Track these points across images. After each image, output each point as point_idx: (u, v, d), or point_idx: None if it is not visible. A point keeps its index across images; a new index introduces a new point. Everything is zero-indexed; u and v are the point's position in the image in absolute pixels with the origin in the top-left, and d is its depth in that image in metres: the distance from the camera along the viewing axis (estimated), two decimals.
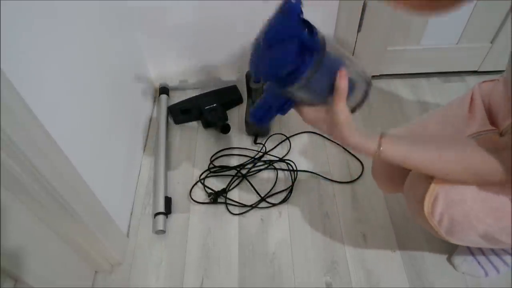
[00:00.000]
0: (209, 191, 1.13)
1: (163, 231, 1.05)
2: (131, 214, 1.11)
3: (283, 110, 0.63)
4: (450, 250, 0.98)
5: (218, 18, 1.22)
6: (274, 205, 1.10)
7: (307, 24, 0.55)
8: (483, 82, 0.84)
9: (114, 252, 0.96)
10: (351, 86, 0.59)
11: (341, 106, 0.60)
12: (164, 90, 1.40)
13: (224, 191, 1.13)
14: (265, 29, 0.56)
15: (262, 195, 1.12)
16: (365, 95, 0.65)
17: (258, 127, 1.23)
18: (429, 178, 0.74)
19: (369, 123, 1.30)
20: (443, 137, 0.68)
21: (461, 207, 0.72)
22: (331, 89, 0.59)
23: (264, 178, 1.17)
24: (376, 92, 1.41)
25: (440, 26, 1.28)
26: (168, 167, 1.20)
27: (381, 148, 0.63)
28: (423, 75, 1.45)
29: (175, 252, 1.03)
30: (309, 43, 0.53)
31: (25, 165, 0.62)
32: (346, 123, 0.61)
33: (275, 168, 1.19)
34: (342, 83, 0.58)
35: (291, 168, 1.18)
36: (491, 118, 0.78)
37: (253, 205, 1.10)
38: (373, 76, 1.44)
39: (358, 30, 1.27)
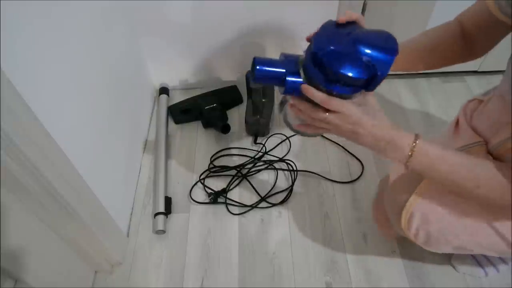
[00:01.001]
0: (209, 191, 1.13)
1: (163, 231, 1.05)
2: (131, 214, 1.11)
3: (293, 86, 0.59)
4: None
5: (218, 18, 1.22)
6: (274, 205, 1.10)
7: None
8: (470, 100, 0.84)
9: (114, 252, 0.96)
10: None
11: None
12: (164, 90, 1.40)
13: (224, 191, 1.13)
14: (363, 32, 0.58)
15: (262, 195, 1.12)
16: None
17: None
18: (408, 193, 0.76)
19: None
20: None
21: (436, 224, 0.73)
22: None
23: (264, 178, 1.17)
24: (376, 92, 1.40)
25: None
26: (168, 167, 1.20)
27: (417, 142, 0.58)
28: (423, 75, 1.45)
29: (175, 252, 1.03)
30: (379, 80, 0.56)
31: (25, 165, 0.62)
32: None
33: (275, 168, 1.19)
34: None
35: (291, 168, 1.18)
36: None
37: (253, 205, 1.10)
38: None
39: None
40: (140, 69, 1.29)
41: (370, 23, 1.24)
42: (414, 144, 0.59)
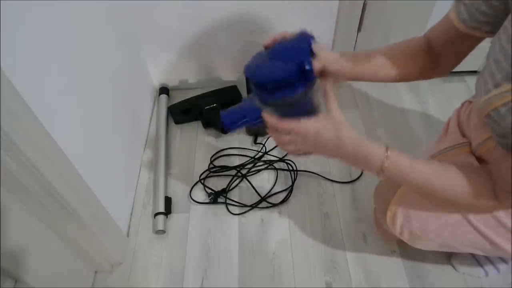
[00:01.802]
0: (209, 191, 1.13)
1: (163, 231, 1.05)
2: (131, 214, 1.11)
3: (256, 121, 0.65)
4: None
5: (218, 18, 1.22)
6: (274, 205, 1.10)
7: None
8: (463, 103, 0.86)
9: (114, 252, 0.96)
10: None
11: (335, 105, 0.60)
12: (164, 90, 1.40)
13: (224, 191, 1.13)
14: (277, 45, 0.61)
15: (262, 195, 1.12)
16: None
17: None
18: (392, 192, 0.80)
19: (369, 123, 1.31)
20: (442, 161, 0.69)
21: (418, 223, 0.77)
22: (316, 110, 0.62)
23: (264, 178, 1.17)
24: (376, 92, 1.41)
25: None
26: (168, 167, 1.20)
27: (388, 153, 0.60)
28: None
29: (175, 252, 1.03)
30: (310, 70, 0.57)
31: (25, 165, 0.62)
32: (346, 124, 0.60)
33: (275, 168, 1.19)
34: (328, 89, 0.60)
35: (291, 168, 1.18)
36: (464, 135, 0.81)
37: (253, 205, 1.10)
38: None
39: (358, 30, 1.27)
40: (140, 69, 1.29)
41: (370, 23, 1.25)
42: (385, 158, 0.60)
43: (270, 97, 0.59)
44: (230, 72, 1.41)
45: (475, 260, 0.94)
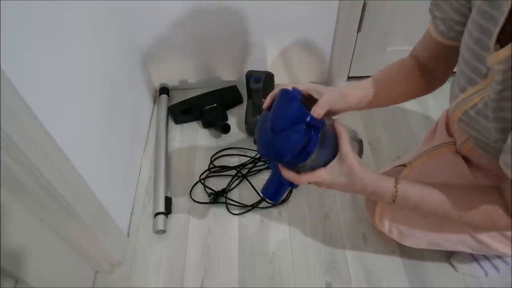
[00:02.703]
0: (209, 191, 1.13)
1: (163, 231, 1.05)
2: (131, 214, 1.11)
3: (294, 184, 0.65)
4: (450, 250, 0.98)
5: (218, 18, 1.22)
6: (274, 205, 1.10)
7: (306, 106, 0.59)
8: None
9: (114, 252, 0.96)
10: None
11: (348, 149, 0.61)
12: (164, 90, 1.40)
13: (224, 191, 1.13)
14: (271, 118, 0.60)
15: (262, 196, 1.12)
16: (360, 151, 0.70)
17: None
18: None
19: (370, 123, 1.30)
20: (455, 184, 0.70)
21: (405, 222, 0.79)
22: (334, 152, 0.62)
23: (265, 178, 1.16)
24: None
25: None
26: (168, 167, 1.20)
27: (398, 189, 0.63)
28: None
29: (175, 252, 1.03)
30: (314, 122, 0.57)
31: (25, 165, 0.62)
32: (359, 165, 0.62)
33: None
34: (340, 128, 0.62)
35: None
36: (451, 135, 0.83)
37: (253, 205, 1.10)
38: None
39: (358, 30, 1.27)
40: (140, 69, 1.29)
41: (370, 23, 1.24)
42: (395, 192, 0.63)
43: (297, 164, 0.60)
44: (230, 72, 1.41)
45: (475, 260, 0.94)
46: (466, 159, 0.76)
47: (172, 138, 1.30)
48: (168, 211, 1.08)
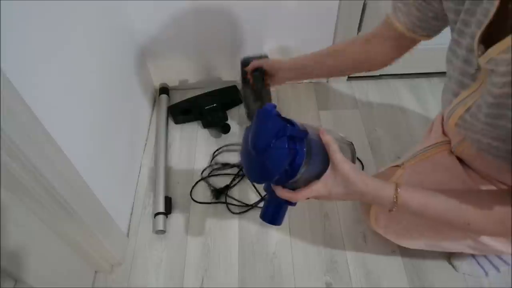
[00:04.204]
0: (212, 188, 1.13)
1: (163, 231, 1.05)
2: (131, 214, 1.11)
3: (292, 202, 0.63)
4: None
5: (218, 18, 1.22)
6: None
7: (285, 120, 0.57)
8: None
9: (114, 252, 0.96)
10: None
11: (340, 157, 0.59)
12: (164, 90, 1.40)
13: (227, 188, 1.13)
14: (251, 137, 0.58)
15: (262, 195, 1.12)
16: (353, 155, 0.68)
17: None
18: None
19: (370, 123, 1.30)
20: (458, 189, 0.68)
21: (400, 222, 0.79)
22: (325, 162, 0.60)
23: None
24: (376, 92, 1.41)
25: None
26: (168, 167, 1.20)
27: (399, 191, 0.60)
28: (423, 75, 1.45)
29: (175, 252, 1.03)
30: (297, 134, 0.55)
31: (25, 165, 0.62)
32: (353, 172, 0.59)
33: None
34: (326, 137, 0.60)
35: None
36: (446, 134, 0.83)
37: (253, 205, 1.10)
38: (373, 76, 1.45)
39: (358, 30, 1.27)
40: (140, 69, 1.29)
41: (370, 23, 1.24)
42: (395, 200, 0.60)
43: (288, 180, 0.58)
44: (230, 72, 1.41)
45: (475, 260, 0.94)
46: (459, 159, 0.76)
47: (172, 138, 1.30)
48: (168, 211, 1.08)
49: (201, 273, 0.99)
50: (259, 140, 0.56)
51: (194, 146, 1.27)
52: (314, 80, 1.45)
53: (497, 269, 0.93)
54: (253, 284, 0.96)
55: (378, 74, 1.44)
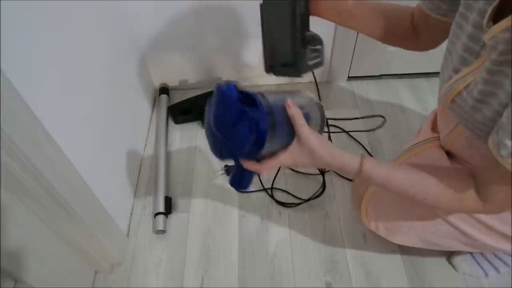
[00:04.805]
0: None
1: (163, 231, 1.05)
2: (131, 214, 1.11)
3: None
4: (449, 250, 0.98)
5: (218, 18, 1.22)
6: (276, 201, 1.11)
7: (245, 96, 0.57)
8: None
9: (114, 252, 0.96)
10: (306, 115, 0.62)
11: (306, 131, 0.60)
12: (164, 90, 1.40)
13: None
14: (212, 119, 0.58)
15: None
16: (322, 117, 0.68)
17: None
18: (364, 190, 0.84)
19: (370, 123, 1.30)
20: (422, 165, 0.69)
21: (390, 217, 0.81)
22: (292, 133, 0.61)
23: (265, 177, 1.17)
24: (376, 92, 1.41)
25: None
26: (168, 167, 1.20)
27: (364, 163, 0.62)
28: (423, 75, 1.45)
29: (175, 252, 1.03)
30: (259, 116, 0.55)
31: (25, 165, 0.62)
32: (320, 145, 0.61)
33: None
34: (293, 110, 0.60)
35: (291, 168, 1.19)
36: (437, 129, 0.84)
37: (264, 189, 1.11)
38: (373, 76, 1.45)
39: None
40: (140, 69, 1.29)
41: None
42: (359, 170, 0.62)
43: (253, 155, 0.59)
44: (230, 72, 1.41)
45: (475, 260, 0.94)
46: (448, 154, 0.76)
47: (172, 138, 1.30)
48: (168, 211, 1.08)
49: (201, 273, 0.99)
50: (221, 122, 0.57)
51: (194, 146, 1.27)
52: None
53: (497, 270, 0.93)
54: (253, 284, 0.96)
55: (378, 74, 1.44)
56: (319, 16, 0.71)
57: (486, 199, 0.57)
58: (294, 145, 0.61)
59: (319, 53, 0.73)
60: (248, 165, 0.62)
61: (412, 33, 0.73)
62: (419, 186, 0.62)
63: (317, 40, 0.71)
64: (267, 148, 0.57)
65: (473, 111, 0.56)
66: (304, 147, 0.60)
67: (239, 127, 0.55)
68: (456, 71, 0.58)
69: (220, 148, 0.60)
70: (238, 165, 0.64)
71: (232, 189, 1.13)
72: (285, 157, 0.62)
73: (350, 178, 0.64)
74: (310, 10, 0.70)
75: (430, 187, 0.61)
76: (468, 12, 0.54)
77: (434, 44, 0.74)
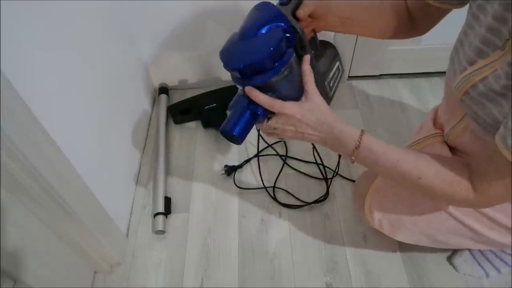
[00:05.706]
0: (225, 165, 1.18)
1: (162, 231, 1.05)
2: (131, 214, 1.11)
3: (262, 114, 0.61)
4: (450, 250, 0.98)
5: (218, 18, 1.21)
6: (276, 202, 1.10)
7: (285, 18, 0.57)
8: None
9: (114, 252, 0.96)
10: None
11: (314, 88, 0.61)
12: (164, 90, 1.40)
13: (240, 167, 1.17)
14: (246, 25, 0.58)
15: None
16: (337, 62, 0.69)
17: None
18: (367, 187, 0.83)
19: (370, 123, 1.30)
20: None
21: (394, 214, 0.80)
22: (301, 88, 0.62)
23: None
24: (376, 92, 1.41)
25: (440, 26, 1.27)
26: (168, 167, 1.20)
27: (363, 137, 0.61)
28: (423, 75, 1.45)
29: (175, 252, 1.02)
30: (289, 35, 0.55)
31: (24, 165, 0.62)
32: (325, 104, 0.62)
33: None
34: (306, 67, 0.62)
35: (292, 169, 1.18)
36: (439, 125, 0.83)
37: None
38: (373, 76, 1.44)
39: None
40: (139, 69, 1.29)
41: None
42: (359, 140, 0.61)
43: (250, 83, 0.57)
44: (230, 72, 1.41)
45: (476, 260, 0.94)
46: (451, 150, 0.76)
47: (171, 138, 1.29)
48: (167, 211, 1.08)
49: (200, 273, 0.98)
50: (252, 28, 0.57)
51: (194, 146, 1.27)
52: None
53: (498, 270, 0.93)
54: (253, 284, 0.96)
55: (378, 74, 1.44)
56: (325, 30, 0.73)
57: (480, 190, 0.57)
58: (302, 99, 0.62)
59: (338, 70, 0.75)
60: (256, 94, 0.60)
61: (409, 22, 0.73)
62: (415, 163, 0.61)
63: (333, 64, 0.76)
64: (285, 73, 0.56)
65: (491, 103, 0.54)
66: (312, 102, 0.61)
67: (270, 33, 0.54)
68: (471, 63, 0.57)
69: (243, 53, 0.57)
70: (241, 97, 0.61)
71: (232, 189, 1.14)
72: (294, 105, 0.61)
73: (343, 155, 0.62)
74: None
75: (425, 166, 0.61)
76: (487, 3, 0.53)
77: (430, 28, 0.75)
